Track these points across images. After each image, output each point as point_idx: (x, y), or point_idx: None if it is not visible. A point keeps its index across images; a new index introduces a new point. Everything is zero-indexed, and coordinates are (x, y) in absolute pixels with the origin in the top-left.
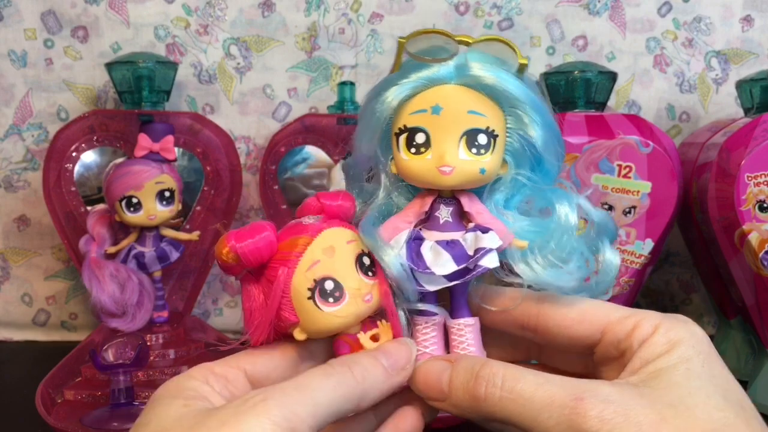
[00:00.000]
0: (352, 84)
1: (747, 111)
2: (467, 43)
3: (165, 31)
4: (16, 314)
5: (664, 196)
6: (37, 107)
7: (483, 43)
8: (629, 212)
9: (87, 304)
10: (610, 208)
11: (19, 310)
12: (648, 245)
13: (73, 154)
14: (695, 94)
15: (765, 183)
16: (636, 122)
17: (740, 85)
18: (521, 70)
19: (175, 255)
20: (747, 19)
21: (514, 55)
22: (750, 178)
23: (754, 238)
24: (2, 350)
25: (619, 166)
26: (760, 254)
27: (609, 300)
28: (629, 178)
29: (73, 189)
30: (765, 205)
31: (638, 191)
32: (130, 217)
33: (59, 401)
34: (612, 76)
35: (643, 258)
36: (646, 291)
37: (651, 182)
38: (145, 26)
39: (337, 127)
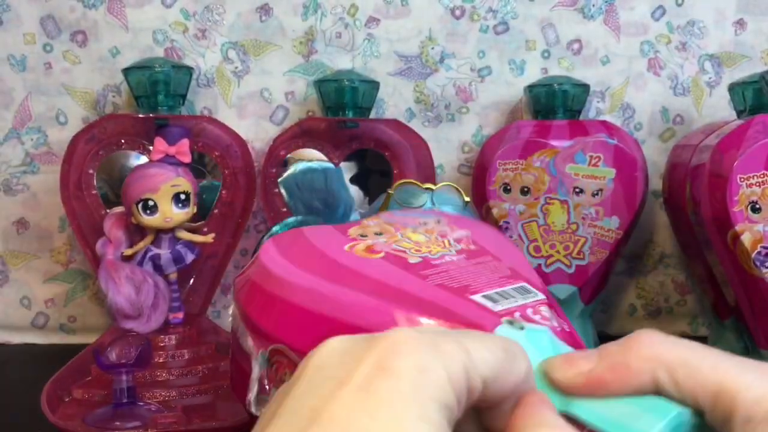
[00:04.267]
0: (352, 87)
1: (740, 113)
2: (431, 189)
3: (163, 36)
4: (15, 317)
5: (626, 180)
6: (37, 111)
7: (442, 188)
8: (597, 194)
9: (85, 306)
10: (581, 191)
11: (18, 312)
12: (614, 221)
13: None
14: (689, 97)
15: (757, 184)
16: (606, 125)
17: (733, 87)
18: (466, 204)
19: (190, 257)
20: (740, 23)
21: (459, 195)
22: (742, 180)
23: (746, 238)
24: (1, 353)
25: (591, 156)
26: (753, 255)
27: (586, 266)
28: (597, 166)
29: (93, 192)
30: (757, 206)
31: (604, 177)
32: (147, 219)
33: (67, 400)
34: (585, 89)
35: (612, 232)
36: (641, 292)
37: (615, 169)
38: (143, 30)
39: (336, 131)
